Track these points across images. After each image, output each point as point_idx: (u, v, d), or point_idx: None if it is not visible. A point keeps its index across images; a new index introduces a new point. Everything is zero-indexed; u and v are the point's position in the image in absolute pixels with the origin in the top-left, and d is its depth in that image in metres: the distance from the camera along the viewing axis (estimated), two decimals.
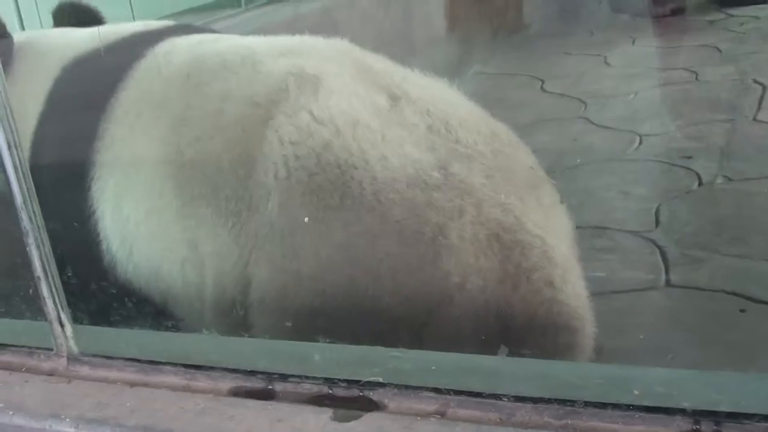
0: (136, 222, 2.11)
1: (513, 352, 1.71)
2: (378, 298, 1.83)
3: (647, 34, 5.84)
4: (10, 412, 1.72)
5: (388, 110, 1.98)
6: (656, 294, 2.80)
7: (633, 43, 5.79)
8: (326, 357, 1.61)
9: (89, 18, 2.82)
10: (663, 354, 2.35)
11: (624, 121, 4.40)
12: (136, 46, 2.39)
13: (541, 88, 5.11)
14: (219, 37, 2.52)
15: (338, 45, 2.26)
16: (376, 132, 1.92)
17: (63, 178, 2.24)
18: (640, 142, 4.16)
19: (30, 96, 2.40)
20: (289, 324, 1.84)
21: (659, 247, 3.08)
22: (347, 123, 1.93)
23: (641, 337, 2.56)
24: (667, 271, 2.91)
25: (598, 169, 3.82)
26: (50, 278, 1.81)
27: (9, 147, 1.73)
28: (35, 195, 1.77)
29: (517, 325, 1.82)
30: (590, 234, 3.29)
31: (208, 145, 2.08)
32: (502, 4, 6.02)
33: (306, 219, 1.85)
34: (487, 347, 1.75)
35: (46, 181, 2.09)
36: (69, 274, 2.03)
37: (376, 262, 1.84)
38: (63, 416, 1.66)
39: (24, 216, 1.77)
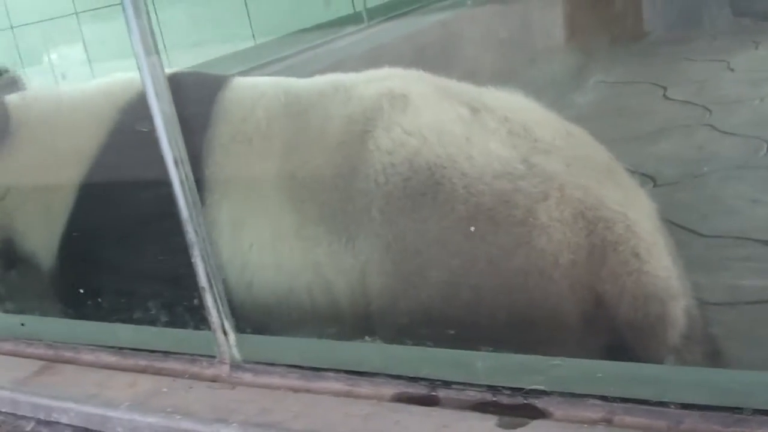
0: (260, 249, 2.22)
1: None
2: (480, 283, 1.97)
3: None
4: (178, 417, 1.79)
5: (470, 119, 2.14)
6: None
7: (757, 47, 5.65)
8: (488, 365, 1.64)
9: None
10: None
11: (751, 127, 4.29)
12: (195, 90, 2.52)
13: (664, 95, 5.03)
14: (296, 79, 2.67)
15: (416, 73, 2.41)
16: (460, 136, 2.10)
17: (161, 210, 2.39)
18: None
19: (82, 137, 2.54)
20: (405, 323, 1.94)
21: None
22: (433, 132, 2.12)
23: None
24: None
25: (726, 176, 3.75)
26: (214, 289, 1.88)
27: (176, 163, 1.81)
28: (200, 209, 1.85)
29: (609, 297, 1.93)
30: (721, 243, 3.24)
31: (315, 165, 2.25)
32: (622, 12, 5.96)
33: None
34: (585, 322, 1.88)
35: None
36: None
37: (474, 249, 1.99)
38: (230, 421, 1.73)
39: (190, 229, 1.85)
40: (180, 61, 4.78)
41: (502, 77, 4.71)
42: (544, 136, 2.09)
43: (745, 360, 2.32)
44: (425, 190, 2.05)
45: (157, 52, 1.85)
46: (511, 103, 2.22)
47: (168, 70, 2.72)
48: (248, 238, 2.22)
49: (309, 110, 2.34)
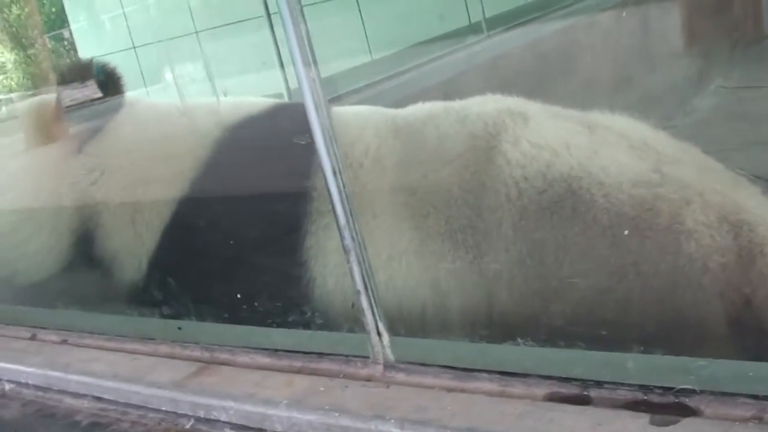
0: (375, 270, 2.20)
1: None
2: (628, 291, 1.98)
3: None
4: (336, 414, 1.88)
5: (590, 134, 2.20)
6: None
7: None
8: (639, 365, 1.68)
9: None
10: None
11: None
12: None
13: None
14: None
15: (518, 99, 2.44)
16: (588, 149, 2.13)
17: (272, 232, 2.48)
18: None
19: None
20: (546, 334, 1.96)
21: None
22: (561, 144, 2.14)
23: None
24: None
25: None
26: (369, 292, 1.96)
27: (334, 173, 1.91)
28: (356, 216, 1.94)
29: (759, 299, 1.92)
30: None
31: (437, 180, 2.28)
32: (741, 15, 5.88)
33: (626, 232, 1.98)
34: (734, 324, 1.89)
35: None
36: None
37: (621, 260, 2.00)
38: (387, 417, 1.80)
39: (347, 235, 1.94)
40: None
41: (623, 84, 4.72)
42: (665, 150, 2.13)
43: None
44: (563, 201, 2.06)
45: (315, 64, 1.93)
46: (622, 123, 2.26)
47: (271, 101, 2.87)
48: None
49: (422, 130, 2.38)
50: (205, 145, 2.63)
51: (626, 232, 1.98)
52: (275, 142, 2.53)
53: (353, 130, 2.43)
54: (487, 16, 4.97)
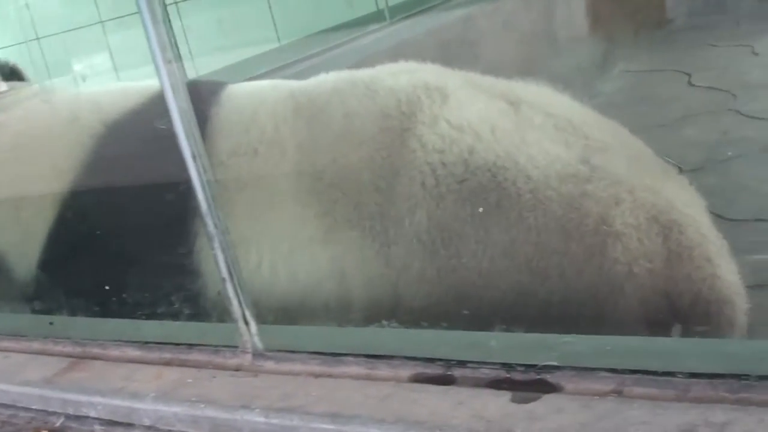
0: (272, 265, 2.14)
1: (683, 331, 1.75)
2: (549, 298, 1.88)
3: None
4: (202, 405, 1.83)
5: (515, 113, 2.03)
6: None
7: None
8: (502, 343, 1.67)
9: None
10: None
11: None
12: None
13: (689, 82, 5.02)
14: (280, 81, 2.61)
15: (436, 66, 2.28)
16: (514, 133, 1.97)
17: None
18: None
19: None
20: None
21: None
22: (486, 128, 1.98)
23: None
24: None
25: (752, 160, 3.74)
26: (235, 280, 1.92)
27: (194, 158, 1.86)
28: (219, 202, 1.89)
29: (685, 303, 1.85)
30: (747, 226, 3.23)
31: (345, 165, 2.13)
32: (645, 0, 5.96)
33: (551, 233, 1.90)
34: (660, 328, 1.81)
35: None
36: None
37: (545, 261, 1.89)
38: (252, 407, 1.76)
39: (209, 222, 1.89)
40: (206, 65, 4.84)
41: (527, 69, 4.72)
42: (592, 133, 1.99)
43: None
44: (486, 193, 1.92)
45: (175, 59, 1.88)
46: (545, 96, 2.13)
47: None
48: (258, 255, 2.15)
49: (326, 108, 2.21)
50: (81, 139, 2.53)
51: (551, 233, 1.89)
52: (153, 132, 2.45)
53: (246, 113, 2.28)
54: (391, 3, 4.95)
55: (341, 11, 5.19)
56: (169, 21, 1.94)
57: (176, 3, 5.85)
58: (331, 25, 4.96)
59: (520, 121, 2.01)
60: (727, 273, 1.91)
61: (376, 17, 4.64)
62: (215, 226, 1.88)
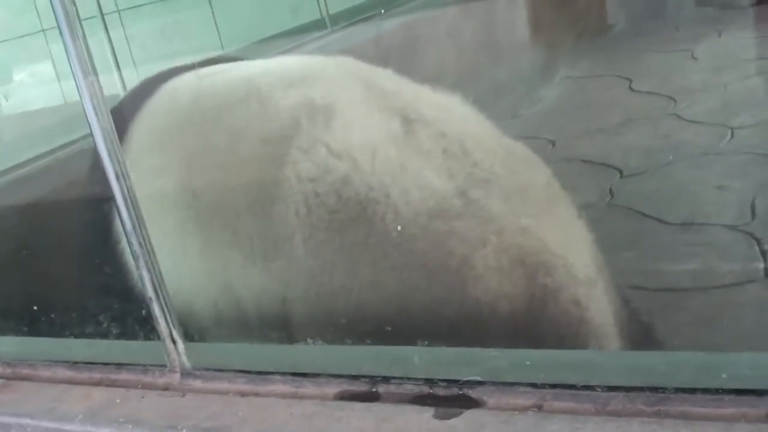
0: (165, 267, 2.04)
1: None
2: (411, 333, 1.83)
3: (734, 26, 5.75)
4: (130, 426, 1.82)
5: (404, 136, 1.99)
6: (755, 286, 2.77)
7: (719, 35, 5.69)
8: (426, 359, 1.68)
9: None
10: (765, 346, 2.35)
11: (715, 114, 4.34)
12: (151, 86, 2.44)
13: (630, 87, 5.07)
14: (224, 68, 2.48)
15: (347, 65, 2.27)
16: (395, 162, 1.94)
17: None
18: (733, 135, 4.10)
19: None
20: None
21: (756, 240, 3.04)
22: (366, 155, 1.94)
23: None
24: (765, 263, 2.87)
25: (692, 164, 3.79)
26: (161, 298, 1.91)
27: (117, 177, 1.85)
28: (144, 221, 1.88)
29: (549, 347, 1.83)
30: (686, 230, 3.28)
31: (224, 187, 2.11)
32: (585, 6, 6.01)
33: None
34: None
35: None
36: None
37: (407, 298, 1.89)
38: (179, 427, 1.76)
39: (134, 241, 1.88)
40: (149, 74, 4.81)
41: (469, 75, 4.75)
42: (483, 160, 1.96)
43: (711, 344, 2.36)
44: (355, 227, 1.91)
45: (95, 73, 1.86)
46: (448, 111, 2.09)
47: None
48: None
49: (218, 121, 2.17)
50: None
51: (415, 271, 1.87)
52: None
53: (160, 111, 2.27)
54: (338, 10, 4.95)
55: (284, 19, 5.19)
56: (84, 37, 1.90)
57: (118, 12, 5.82)
58: (275, 32, 4.95)
59: (407, 146, 1.97)
60: (597, 316, 1.89)
61: (318, 25, 4.63)
62: (140, 245, 1.88)
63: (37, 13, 5.86)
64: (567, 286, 1.84)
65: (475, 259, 1.83)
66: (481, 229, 1.85)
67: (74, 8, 1.85)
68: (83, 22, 1.88)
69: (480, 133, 2.07)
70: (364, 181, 1.91)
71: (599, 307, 1.90)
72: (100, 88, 1.87)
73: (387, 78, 2.19)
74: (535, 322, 1.84)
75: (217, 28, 5.67)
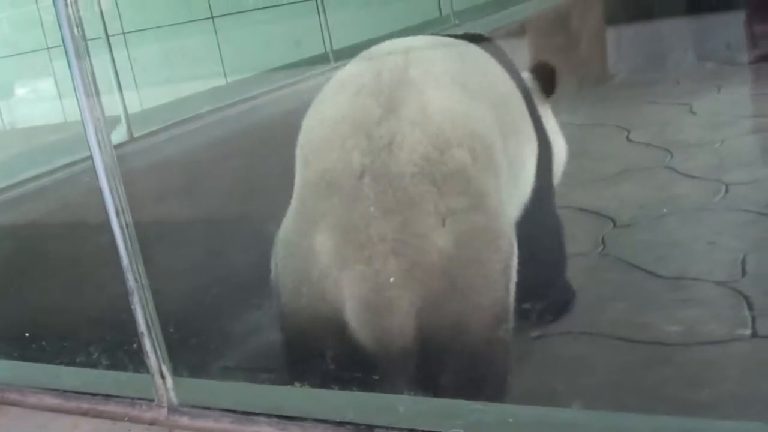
0: None
1: None
2: None
3: (734, 82, 5.80)
4: None
5: None
6: (741, 345, 2.79)
7: (719, 91, 5.75)
8: (411, 409, 1.70)
9: None
10: (747, 406, 2.37)
11: (710, 169, 4.37)
12: None
13: (627, 138, 5.10)
14: None
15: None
16: None
17: None
18: (727, 191, 4.13)
19: None
20: None
21: (745, 298, 3.06)
22: None
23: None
24: (753, 322, 2.89)
25: (685, 218, 3.82)
26: (153, 334, 1.93)
27: (117, 213, 1.87)
28: (140, 256, 1.90)
29: None
30: (676, 285, 3.29)
31: None
32: (587, 55, 6.05)
33: None
34: None
35: None
36: None
37: None
38: None
39: (129, 276, 1.90)
40: (151, 97, 4.84)
41: None
42: None
43: (693, 401, 2.38)
44: None
45: (98, 95, 1.87)
46: None
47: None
48: None
49: None
50: None
51: None
52: None
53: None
54: (340, 46, 4.98)
55: (288, 51, 5.23)
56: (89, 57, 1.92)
57: (123, 34, 5.87)
58: (278, 64, 4.98)
59: None
60: None
61: (322, 59, 4.67)
62: (135, 280, 1.90)
63: (43, 30, 5.90)
64: None
65: None
66: None
67: (81, 31, 1.87)
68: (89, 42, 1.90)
69: None
70: None
71: None
72: (105, 121, 1.89)
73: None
74: None
75: (221, 57, 5.71)
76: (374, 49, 2.46)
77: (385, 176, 2.00)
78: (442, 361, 2.03)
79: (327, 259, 2.03)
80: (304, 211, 2.14)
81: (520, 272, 2.18)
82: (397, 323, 1.99)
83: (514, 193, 2.38)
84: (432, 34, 2.83)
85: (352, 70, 2.36)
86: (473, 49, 2.61)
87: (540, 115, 2.88)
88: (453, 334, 2.03)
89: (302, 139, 2.21)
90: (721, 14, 5.69)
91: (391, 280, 1.95)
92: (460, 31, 2.85)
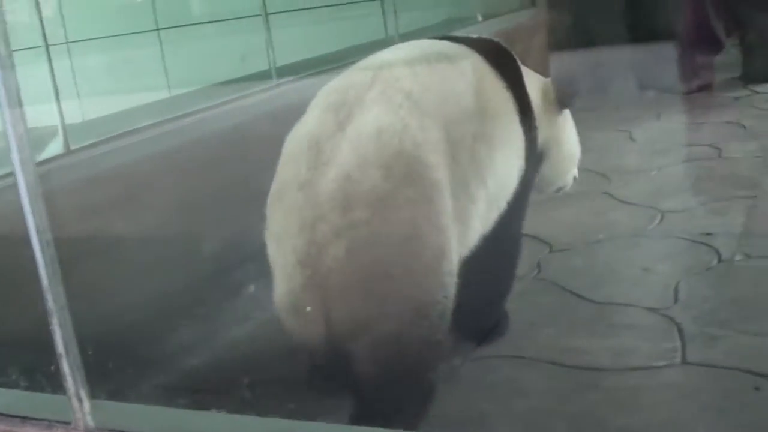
0: None
1: None
2: None
3: (673, 110, 5.88)
4: None
5: None
6: (672, 371, 2.81)
7: (659, 118, 5.83)
8: None
9: None
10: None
11: (647, 196, 4.42)
12: None
13: None
14: None
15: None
16: None
17: None
18: (662, 218, 4.19)
19: None
20: None
21: (677, 324, 3.10)
22: None
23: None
24: (683, 348, 2.92)
25: (620, 244, 3.86)
26: (71, 356, 1.91)
27: (38, 231, 1.84)
28: (60, 277, 1.88)
29: None
30: (610, 310, 3.33)
31: None
32: None
33: None
34: None
35: None
36: None
37: None
38: None
39: (49, 297, 1.87)
40: (94, 108, 4.77)
41: None
42: None
43: (622, 425, 2.40)
44: None
45: (21, 108, 1.84)
46: None
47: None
48: None
49: None
50: None
51: None
52: None
53: None
54: (286, 62, 4.97)
55: (233, 66, 5.20)
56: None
57: (68, 43, 5.80)
58: (223, 79, 4.95)
59: None
60: None
61: (265, 76, 4.65)
62: (55, 302, 1.87)
63: None
64: None
65: None
66: None
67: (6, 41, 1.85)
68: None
69: None
70: None
71: None
72: (28, 138, 1.86)
73: None
74: None
75: (165, 70, 5.66)
76: (369, 59, 2.60)
77: (313, 191, 2.17)
78: (355, 357, 2.20)
79: (269, 263, 2.31)
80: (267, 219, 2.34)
81: (473, 287, 2.39)
82: (304, 323, 2.20)
83: (469, 205, 2.47)
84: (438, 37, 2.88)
85: (336, 83, 2.48)
86: (466, 59, 2.72)
87: (536, 128, 2.97)
88: (359, 331, 2.18)
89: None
90: (663, 44, 5.77)
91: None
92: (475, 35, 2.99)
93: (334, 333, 2.17)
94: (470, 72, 2.65)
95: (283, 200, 2.26)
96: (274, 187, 2.32)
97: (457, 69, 2.64)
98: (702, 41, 6.66)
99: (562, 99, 3.28)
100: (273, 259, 2.29)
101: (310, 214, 2.16)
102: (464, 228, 2.44)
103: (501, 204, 2.71)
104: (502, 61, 2.84)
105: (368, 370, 2.21)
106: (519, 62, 3.00)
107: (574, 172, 3.58)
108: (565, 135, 3.38)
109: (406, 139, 2.23)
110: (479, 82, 2.64)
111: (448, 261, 2.28)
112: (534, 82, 3.12)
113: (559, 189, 3.57)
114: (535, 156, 2.94)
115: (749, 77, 6.80)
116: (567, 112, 3.38)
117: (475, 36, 2.99)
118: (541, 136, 3.06)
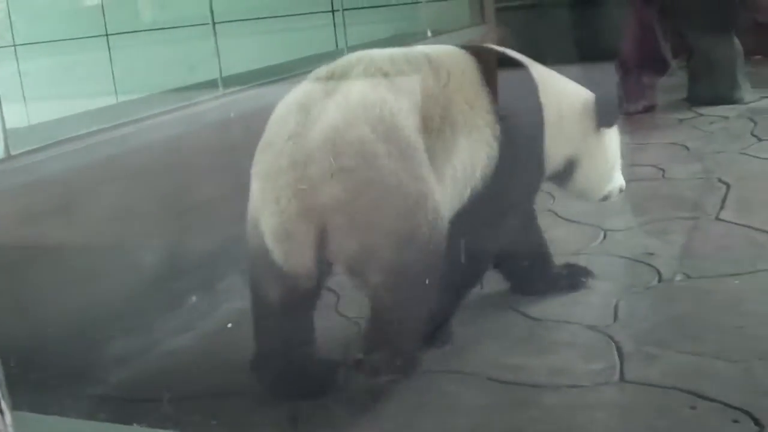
0: None
1: None
2: None
3: (621, 131, 5.94)
4: None
5: None
6: (609, 389, 2.83)
7: None
8: None
9: None
10: None
11: (589, 215, 4.44)
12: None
13: None
14: None
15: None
16: None
17: None
18: (604, 237, 4.22)
19: None
20: None
21: (615, 342, 3.12)
22: None
23: None
24: (621, 367, 2.94)
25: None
26: None
27: None
28: None
29: None
30: (549, 327, 3.34)
31: None
32: None
33: None
34: None
35: None
36: None
37: None
38: None
39: None
40: (39, 112, 4.70)
41: None
42: None
43: None
44: None
45: None
46: None
47: None
48: None
49: None
50: None
51: None
52: None
53: None
54: (234, 73, 4.93)
55: (181, 74, 5.15)
56: None
57: (15, 46, 5.73)
58: (170, 87, 4.91)
59: None
60: None
61: (212, 85, 4.61)
62: None
63: None
64: None
65: None
66: None
67: None
68: None
69: None
70: None
71: None
72: None
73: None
74: None
75: (113, 75, 5.61)
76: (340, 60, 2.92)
77: (303, 140, 2.56)
78: (365, 280, 2.70)
79: (256, 199, 2.67)
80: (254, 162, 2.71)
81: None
82: (297, 249, 2.59)
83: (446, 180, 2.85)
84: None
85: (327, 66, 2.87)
86: (454, 58, 3.07)
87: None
88: (366, 257, 2.64)
89: None
90: (610, 63, 5.82)
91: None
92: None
93: (324, 257, 2.62)
94: (450, 67, 2.97)
95: (273, 146, 2.62)
96: (263, 140, 2.69)
97: (436, 64, 2.95)
98: (649, 62, 6.74)
99: (603, 119, 3.42)
100: (260, 195, 2.63)
101: (301, 156, 2.54)
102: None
103: (471, 185, 3.00)
104: (492, 65, 3.12)
105: (378, 291, 2.67)
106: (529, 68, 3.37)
107: (621, 184, 3.74)
108: (600, 150, 3.53)
109: (385, 108, 2.62)
110: (457, 77, 2.96)
111: (431, 200, 2.68)
112: (572, 95, 3.41)
113: (605, 198, 3.76)
114: (513, 150, 3.11)
115: (694, 99, 6.89)
116: (611, 130, 3.54)
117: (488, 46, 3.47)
118: (568, 147, 3.39)
